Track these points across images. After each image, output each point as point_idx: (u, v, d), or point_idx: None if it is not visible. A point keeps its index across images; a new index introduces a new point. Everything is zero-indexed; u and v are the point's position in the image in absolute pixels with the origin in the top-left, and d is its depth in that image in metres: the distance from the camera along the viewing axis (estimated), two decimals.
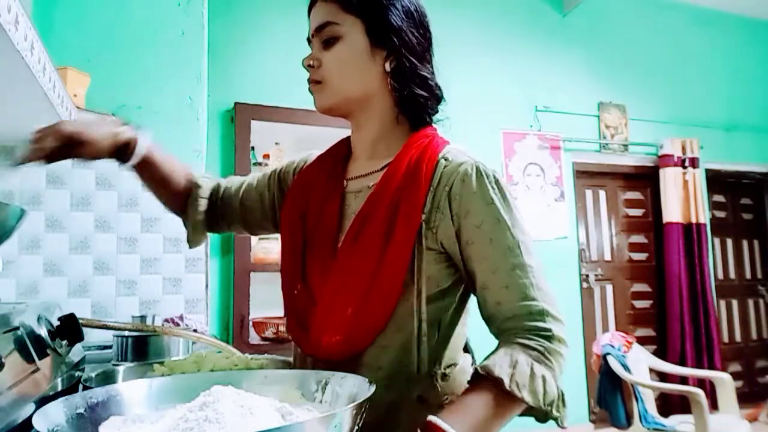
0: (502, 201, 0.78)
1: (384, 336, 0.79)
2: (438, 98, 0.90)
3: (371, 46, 0.84)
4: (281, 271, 0.92)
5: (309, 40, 0.89)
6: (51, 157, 0.83)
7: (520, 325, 0.74)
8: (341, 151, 0.96)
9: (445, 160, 0.82)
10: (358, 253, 0.80)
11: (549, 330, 0.73)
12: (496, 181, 0.80)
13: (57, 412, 0.54)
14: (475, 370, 0.71)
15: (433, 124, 0.91)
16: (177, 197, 1.02)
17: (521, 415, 0.72)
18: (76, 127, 0.85)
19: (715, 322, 4.28)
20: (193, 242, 1.05)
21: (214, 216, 1.06)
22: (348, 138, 0.97)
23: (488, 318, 0.78)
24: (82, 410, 0.57)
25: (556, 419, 0.71)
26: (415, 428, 0.65)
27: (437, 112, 0.91)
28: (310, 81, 0.87)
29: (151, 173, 0.97)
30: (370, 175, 0.88)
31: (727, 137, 4.73)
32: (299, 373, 0.70)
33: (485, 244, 0.77)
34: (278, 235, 0.99)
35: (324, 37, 0.84)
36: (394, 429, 0.78)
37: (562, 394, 0.72)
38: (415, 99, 0.86)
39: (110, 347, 1.29)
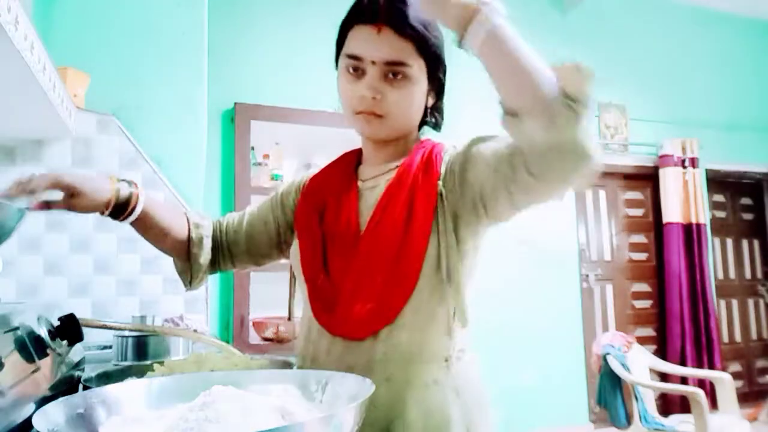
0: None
1: (402, 315, 0.82)
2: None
3: (427, 87, 0.90)
4: (302, 264, 0.93)
5: (353, 57, 0.86)
6: (45, 204, 0.85)
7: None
8: (352, 158, 1.00)
9: (454, 147, 0.90)
10: (382, 233, 0.84)
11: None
12: None
13: (57, 412, 0.54)
14: None
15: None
16: (179, 245, 1.01)
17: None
18: (75, 178, 0.86)
19: (715, 322, 4.27)
20: (193, 286, 1.04)
21: (218, 255, 1.05)
22: (357, 150, 1.01)
23: (507, 152, 0.77)
24: (82, 410, 0.57)
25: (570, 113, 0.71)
26: (427, 410, 0.71)
27: None
28: (367, 112, 0.86)
29: (148, 227, 0.96)
30: (382, 175, 0.92)
31: (727, 137, 4.72)
32: (299, 373, 0.71)
33: (476, 149, 0.83)
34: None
35: (391, 72, 0.85)
36: (408, 409, 0.80)
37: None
38: (435, 123, 0.98)
39: (110, 347, 1.29)
